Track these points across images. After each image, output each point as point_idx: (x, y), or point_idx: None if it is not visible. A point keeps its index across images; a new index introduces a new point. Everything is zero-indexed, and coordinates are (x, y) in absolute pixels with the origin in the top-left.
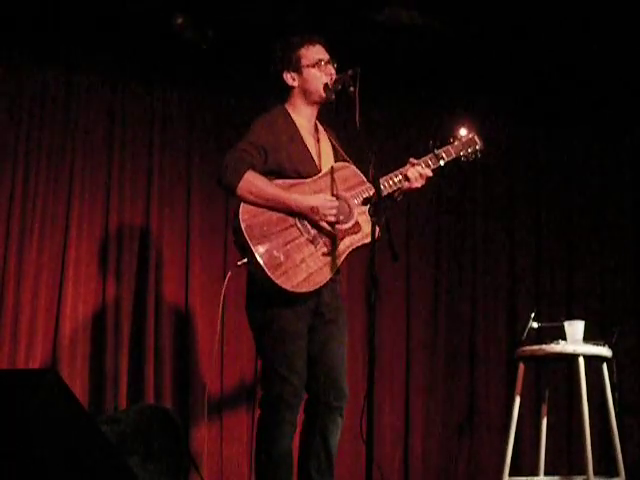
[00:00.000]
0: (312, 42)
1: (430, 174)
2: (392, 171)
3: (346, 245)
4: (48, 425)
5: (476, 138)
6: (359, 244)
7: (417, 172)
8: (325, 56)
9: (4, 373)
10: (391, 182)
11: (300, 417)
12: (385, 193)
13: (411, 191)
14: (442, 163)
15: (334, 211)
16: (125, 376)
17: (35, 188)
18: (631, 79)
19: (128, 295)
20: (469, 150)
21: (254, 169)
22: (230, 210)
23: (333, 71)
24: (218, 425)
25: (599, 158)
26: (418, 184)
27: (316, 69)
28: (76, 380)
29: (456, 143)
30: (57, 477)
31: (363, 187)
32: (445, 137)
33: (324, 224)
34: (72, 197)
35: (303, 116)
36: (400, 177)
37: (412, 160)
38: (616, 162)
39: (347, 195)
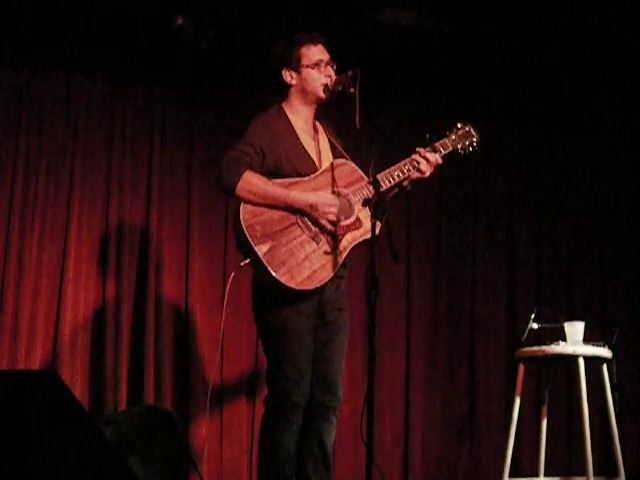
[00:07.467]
0: (314, 42)
1: (440, 161)
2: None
3: (348, 241)
4: (48, 426)
5: (472, 130)
6: (361, 240)
7: (426, 159)
8: (325, 57)
9: (4, 373)
10: (399, 171)
11: None
12: (394, 183)
13: (420, 180)
14: (439, 156)
15: (334, 209)
16: (125, 376)
17: (35, 188)
18: (631, 79)
19: (128, 295)
20: (466, 142)
21: (252, 169)
22: (230, 210)
23: (332, 73)
24: (218, 425)
25: (599, 158)
26: (427, 172)
27: (315, 70)
28: (76, 380)
29: (452, 136)
30: (57, 477)
31: (363, 183)
32: (442, 130)
33: (324, 222)
34: (72, 197)
35: (300, 116)
36: (409, 166)
37: (419, 149)
38: (616, 162)
39: (347, 191)
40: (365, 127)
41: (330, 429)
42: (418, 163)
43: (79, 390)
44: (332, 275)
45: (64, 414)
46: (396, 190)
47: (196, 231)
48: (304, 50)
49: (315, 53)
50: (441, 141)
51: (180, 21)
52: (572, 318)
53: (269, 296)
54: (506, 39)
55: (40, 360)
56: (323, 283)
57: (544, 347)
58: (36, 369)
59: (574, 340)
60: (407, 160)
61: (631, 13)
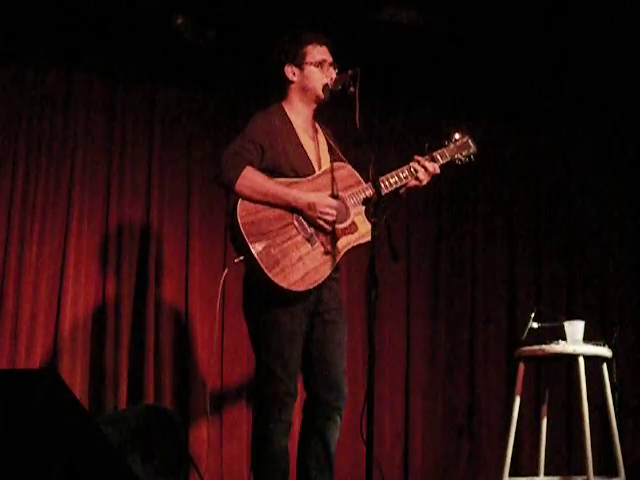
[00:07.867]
0: (320, 42)
1: (438, 171)
2: (394, 169)
3: (342, 245)
4: (48, 425)
5: (470, 142)
6: (355, 244)
7: (424, 168)
8: (329, 58)
9: (4, 373)
10: (396, 178)
11: (299, 417)
12: (391, 189)
13: (416, 188)
14: (438, 165)
15: (332, 211)
16: (125, 376)
17: (35, 188)
18: (631, 79)
19: (128, 295)
20: (463, 153)
21: (252, 166)
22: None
23: (334, 74)
24: (218, 424)
25: (599, 158)
26: (425, 181)
27: (318, 69)
28: (76, 380)
29: (451, 146)
30: (57, 477)
31: (360, 187)
32: (440, 140)
33: (321, 222)
34: (72, 196)
35: (300, 115)
36: (406, 173)
37: (417, 157)
38: (616, 162)
39: (344, 195)
40: (365, 127)
41: (334, 429)
42: (416, 171)
43: (79, 389)
44: (325, 277)
45: (64, 413)
46: (392, 197)
47: (196, 231)
48: (309, 48)
49: (320, 52)
50: (439, 151)
51: (180, 21)
52: (572, 317)
53: (260, 295)
54: (506, 38)
55: (40, 359)
56: (315, 285)
57: (544, 346)
58: (36, 368)
59: (574, 339)
60: (405, 167)
61: (632, 12)
